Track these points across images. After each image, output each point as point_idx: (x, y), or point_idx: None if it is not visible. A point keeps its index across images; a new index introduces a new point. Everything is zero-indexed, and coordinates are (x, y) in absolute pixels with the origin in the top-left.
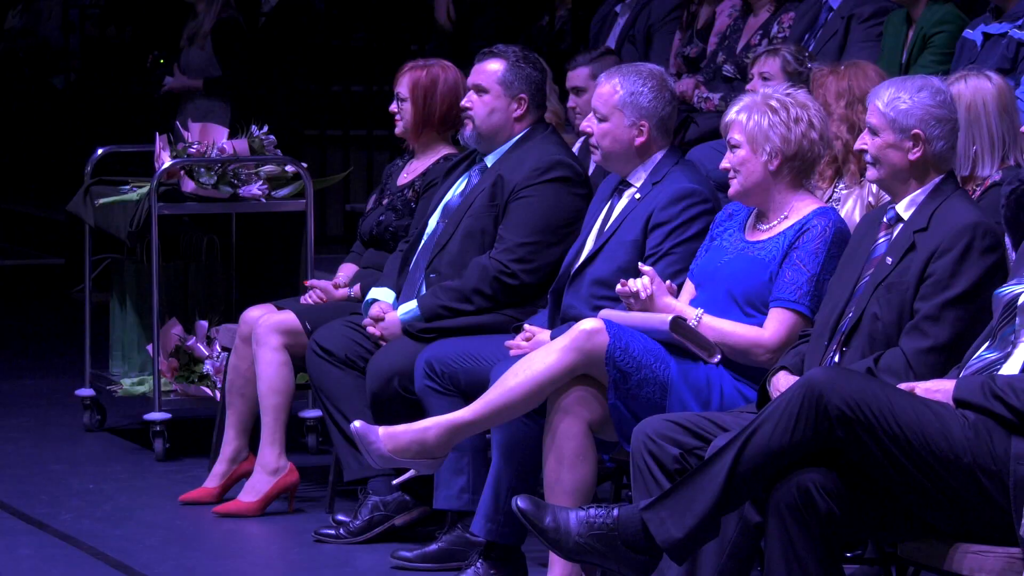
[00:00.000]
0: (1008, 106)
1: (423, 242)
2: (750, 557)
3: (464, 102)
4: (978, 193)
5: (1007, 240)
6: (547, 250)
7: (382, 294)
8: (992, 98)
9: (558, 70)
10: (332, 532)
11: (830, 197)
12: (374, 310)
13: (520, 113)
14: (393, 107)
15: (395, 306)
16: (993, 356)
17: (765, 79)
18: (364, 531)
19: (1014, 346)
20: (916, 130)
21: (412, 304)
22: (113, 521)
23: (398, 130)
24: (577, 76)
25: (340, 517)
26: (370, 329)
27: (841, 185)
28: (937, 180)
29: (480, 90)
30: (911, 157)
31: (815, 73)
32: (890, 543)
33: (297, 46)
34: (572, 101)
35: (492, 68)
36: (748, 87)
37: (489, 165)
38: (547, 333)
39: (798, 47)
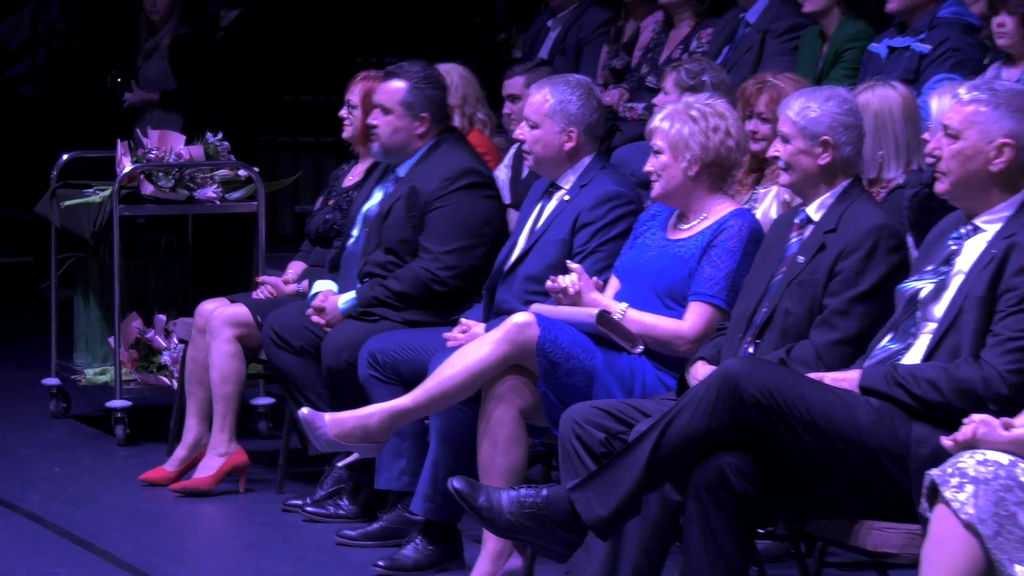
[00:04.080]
0: (912, 113)
1: (347, 249)
2: (670, 534)
3: (371, 119)
4: (883, 195)
5: (910, 240)
6: (470, 253)
7: (325, 285)
8: (898, 106)
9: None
10: (323, 512)
11: (749, 198)
12: (317, 300)
13: (423, 131)
14: (343, 112)
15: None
16: (896, 347)
17: (667, 93)
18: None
19: (915, 338)
20: (825, 137)
21: (351, 294)
22: (78, 502)
23: (346, 134)
24: (513, 85)
25: (293, 502)
26: (314, 318)
27: (761, 189)
28: (845, 184)
29: (385, 110)
30: (820, 162)
31: (764, 78)
32: (800, 521)
33: (250, 59)
34: (508, 108)
35: (395, 88)
36: (655, 100)
37: (401, 176)
38: (482, 326)
39: (696, 64)
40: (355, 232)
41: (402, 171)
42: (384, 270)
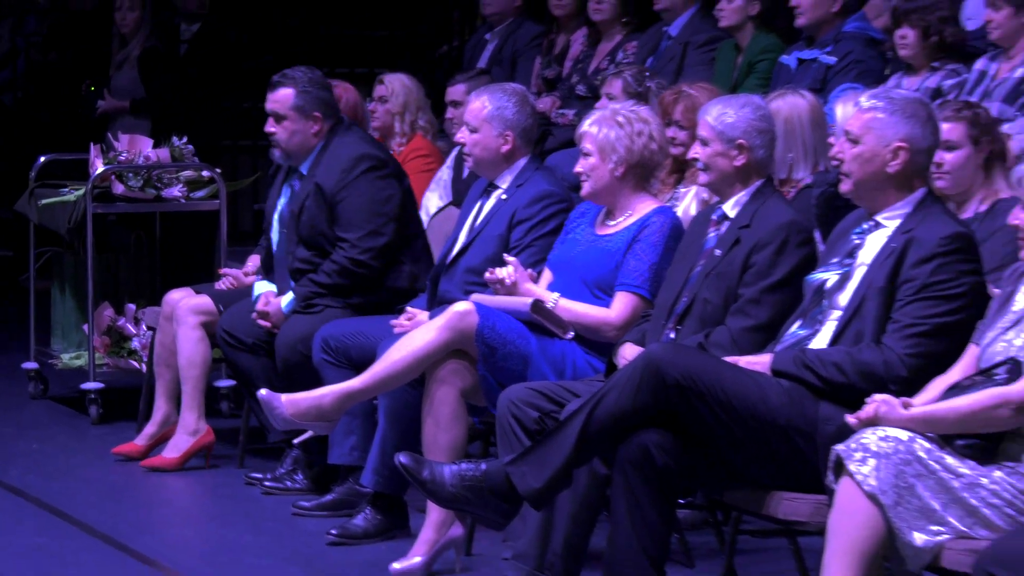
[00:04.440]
0: (819, 120)
1: (273, 250)
2: (598, 504)
3: (267, 127)
4: (793, 194)
5: (817, 235)
6: (382, 231)
7: (265, 287)
8: (806, 113)
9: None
10: (279, 486)
11: (671, 197)
12: (259, 304)
13: (317, 129)
14: None
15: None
16: (804, 333)
17: (611, 98)
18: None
19: (821, 324)
20: (740, 140)
21: (290, 295)
22: (54, 476)
23: None
24: (455, 91)
25: (254, 475)
26: (260, 322)
27: (682, 188)
28: (758, 183)
29: (278, 117)
30: (736, 163)
31: (680, 88)
32: (717, 492)
33: (213, 70)
34: (450, 113)
35: (284, 95)
36: (597, 105)
37: (305, 173)
38: (426, 314)
39: (639, 70)
40: (274, 234)
41: (304, 168)
42: (310, 264)
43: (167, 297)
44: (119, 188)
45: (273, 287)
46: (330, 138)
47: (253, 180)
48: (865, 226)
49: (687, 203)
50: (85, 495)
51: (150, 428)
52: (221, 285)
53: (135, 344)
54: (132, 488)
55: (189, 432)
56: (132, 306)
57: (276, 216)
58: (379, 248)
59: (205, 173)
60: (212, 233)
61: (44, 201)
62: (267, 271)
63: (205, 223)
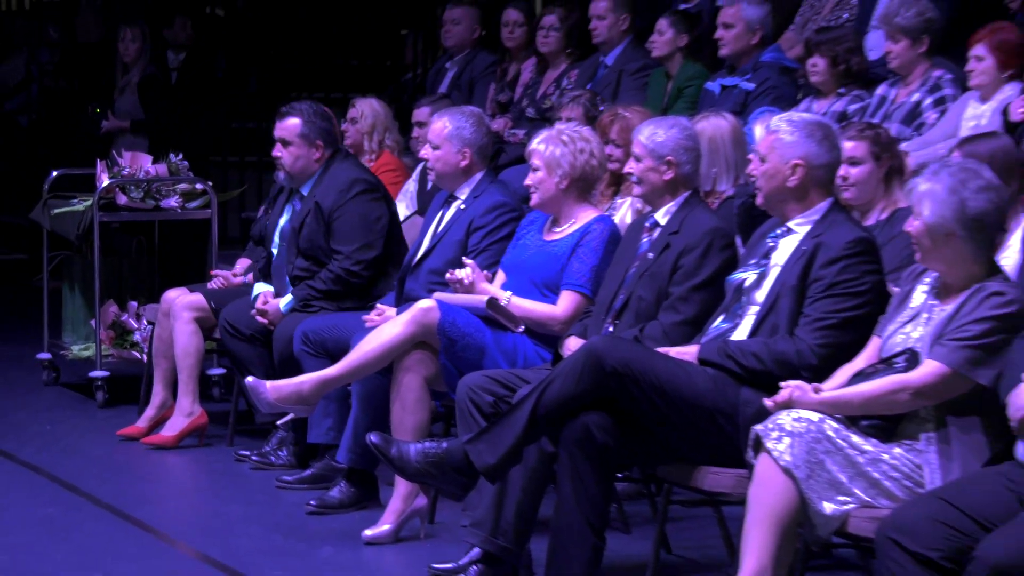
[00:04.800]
0: (739, 139)
1: (273, 260)
2: (546, 478)
3: (274, 152)
4: (716, 204)
5: (738, 240)
6: (372, 246)
7: (264, 288)
8: (728, 133)
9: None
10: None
11: (609, 207)
12: (259, 303)
13: (318, 156)
14: None
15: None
16: (726, 326)
17: (570, 120)
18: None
19: (741, 318)
20: (669, 157)
21: (289, 297)
22: (65, 453)
23: None
24: (420, 113)
25: (242, 452)
26: (259, 319)
27: (619, 199)
28: (686, 195)
29: (285, 143)
30: (666, 177)
31: (613, 112)
32: (651, 467)
33: (204, 94)
34: (415, 132)
35: (291, 124)
36: (557, 123)
37: (305, 194)
38: (393, 310)
39: (592, 96)
40: (275, 247)
41: (305, 190)
42: (308, 272)
43: (165, 295)
44: (122, 199)
45: (270, 288)
46: (329, 164)
47: (240, 192)
48: (778, 231)
49: (623, 212)
50: (92, 470)
51: (149, 411)
52: (212, 284)
53: (137, 337)
54: (134, 464)
55: (184, 414)
56: (134, 303)
57: (277, 232)
58: (369, 260)
59: (198, 186)
60: (204, 239)
61: (56, 210)
62: (265, 277)
63: (198, 230)
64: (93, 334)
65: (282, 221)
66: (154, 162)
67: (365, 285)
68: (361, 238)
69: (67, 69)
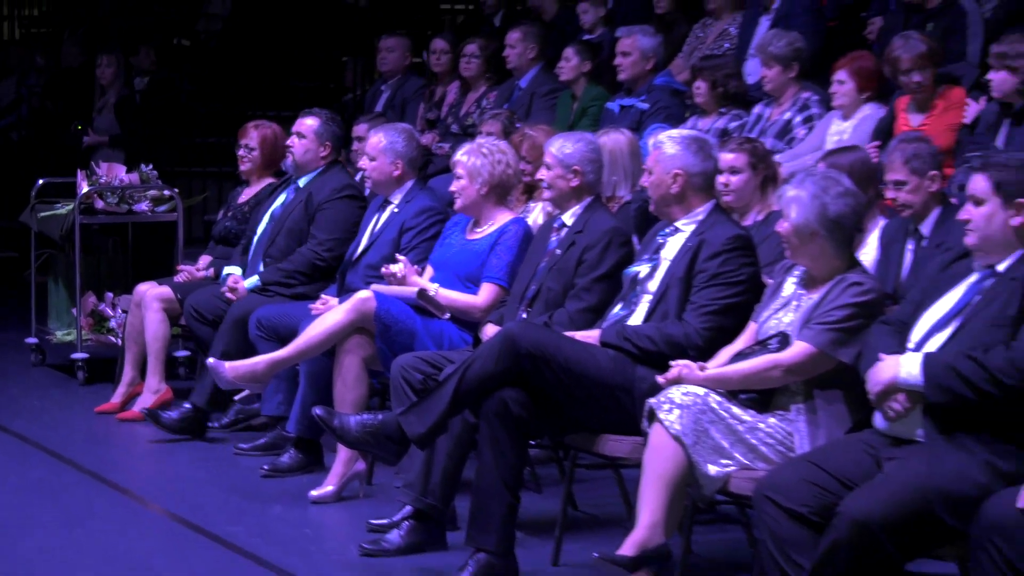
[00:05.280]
0: (636, 152)
1: (257, 237)
2: (468, 445)
3: (288, 142)
4: (616, 208)
5: (634, 238)
6: (343, 243)
7: (233, 270)
8: (626, 146)
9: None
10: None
11: (523, 210)
12: (229, 282)
13: (325, 154)
14: (242, 152)
15: (243, 278)
16: (623, 313)
17: (489, 135)
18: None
19: (636, 306)
20: (576, 167)
21: (255, 278)
22: (51, 426)
23: (243, 167)
24: (359, 129)
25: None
26: (228, 295)
27: (531, 204)
28: (589, 199)
29: (300, 136)
30: (572, 184)
31: (524, 129)
32: (560, 435)
33: (174, 113)
34: (355, 146)
35: (310, 123)
36: (479, 138)
37: (301, 186)
38: (336, 300)
39: (509, 114)
40: (261, 226)
41: (302, 182)
42: (283, 254)
43: (137, 288)
44: (100, 204)
45: (238, 270)
46: (329, 167)
47: (203, 198)
48: (668, 230)
49: (535, 215)
50: (74, 440)
51: (121, 389)
52: (179, 278)
53: (112, 324)
54: (110, 435)
55: (153, 391)
56: (110, 295)
57: (268, 214)
58: (337, 254)
59: (166, 192)
60: (171, 238)
61: (42, 214)
62: (244, 253)
63: (166, 231)
64: (75, 321)
65: (275, 205)
66: (128, 172)
67: (327, 272)
68: (337, 232)
69: (53, 91)
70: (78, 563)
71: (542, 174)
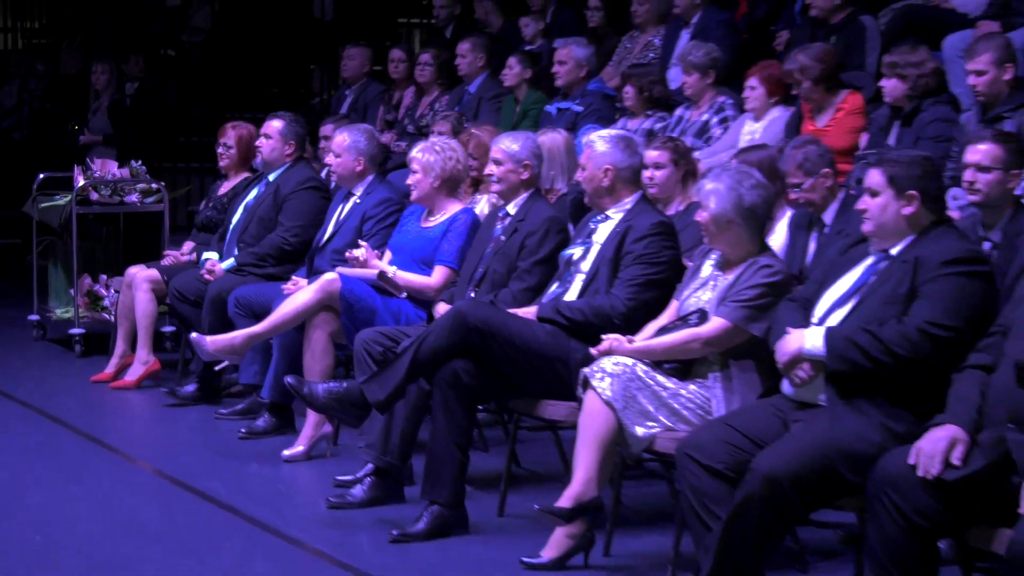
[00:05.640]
0: (571, 150)
1: (232, 225)
2: (423, 410)
3: (257, 143)
4: (554, 199)
5: (570, 226)
6: (309, 230)
7: (211, 255)
8: (563, 145)
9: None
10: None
11: (471, 201)
12: (208, 265)
13: (290, 151)
14: (221, 150)
15: (220, 261)
16: (559, 291)
17: (441, 134)
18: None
19: (570, 284)
20: (526, 161)
21: (231, 260)
22: (51, 393)
23: (222, 163)
24: (325, 129)
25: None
26: (207, 276)
27: (479, 196)
28: (531, 192)
29: (267, 136)
30: (523, 177)
31: (471, 130)
32: (504, 400)
33: (160, 115)
34: (323, 144)
35: (275, 125)
36: (432, 137)
37: (271, 180)
38: (305, 281)
39: (458, 116)
40: (236, 216)
41: (271, 177)
42: (255, 240)
43: (127, 270)
44: (94, 196)
45: (215, 255)
46: (295, 163)
47: (186, 190)
48: (599, 217)
49: (482, 205)
50: (71, 406)
51: (114, 360)
52: (165, 262)
53: (106, 302)
54: (104, 401)
55: (142, 362)
56: (104, 277)
57: (243, 205)
58: (303, 240)
59: (154, 185)
60: (158, 226)
61: (42, 205)
62: (220, 240)
63: (154, 220)
64: (72, 300)
65: (249, 198)
66: (119, 167)
67: (294, 255)
68: (302, 219)
69: (52, 95)
70: (75, 515)
71: (491, 169)
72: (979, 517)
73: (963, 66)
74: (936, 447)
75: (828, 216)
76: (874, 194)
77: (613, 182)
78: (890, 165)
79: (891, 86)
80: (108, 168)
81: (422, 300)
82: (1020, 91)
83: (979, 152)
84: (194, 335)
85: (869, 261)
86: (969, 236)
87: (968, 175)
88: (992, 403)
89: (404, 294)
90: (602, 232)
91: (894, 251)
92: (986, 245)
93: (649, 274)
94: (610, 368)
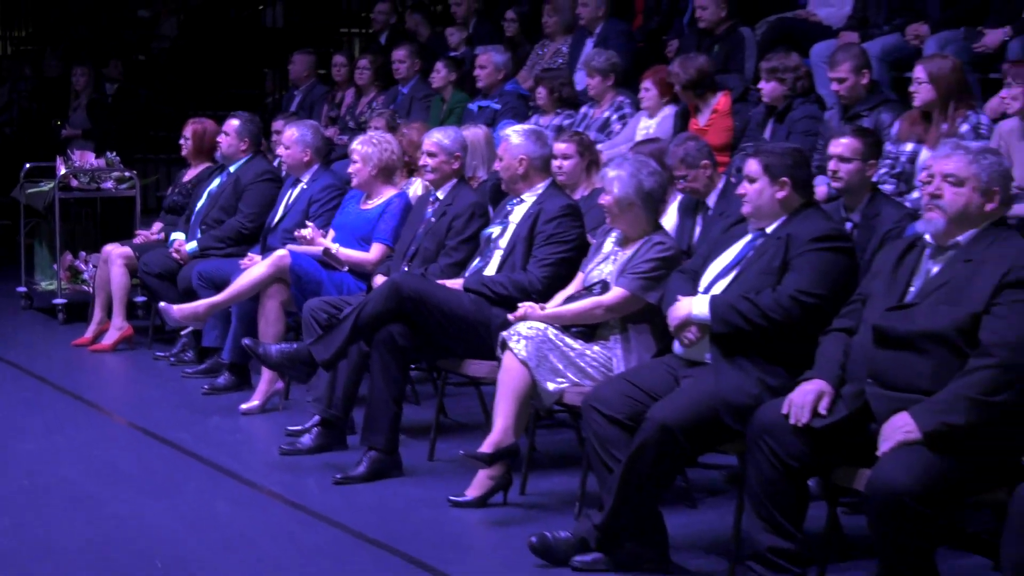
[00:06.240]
0: (491, 142)
1: (197, 210)
2: (363, 368)
3: (218, 139)
4: (476, 185)
5: (491, 209)
6: (262, 214)
7: (178, 235)
8: (483, 139)
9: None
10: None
11: (405, 186)
12: (175, 246)
13: (244, 147)
14: (182, 142)
15: (186, 241)
16: (481, 265)
17: (378, 128)
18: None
19: (490, 259)
20: (457, 152)
21: (194, 243)
22: (36, 356)
23: (184, 151)
24: (277, 125)
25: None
26: (173, 254)
27: (413, 181)
28: (456, 180)
29: (226, 134)
30: (454, 167)
31: (403, 127)
32: (434, 360)
33: (135, 112)
34: (275, 138)
35: (233, 123)
36: (370, 132)
37: (231, 171)
38: (260, 257)
39: (392, 114)
40: (200, 202)
41: (232, 169)
42: (216, 223)
43: (104, 248)
44: (74, 183)
45: (182, 235)
46: (254, 156)
47: (155, 178)
48: (515, 201)
49: (414, 190)
50: (55, 367)
51: (92, 326)
52: (136, 240)
53: (85, 276)
54: (83, 362)
55: (117, 328)
56: (83, 253)
57: (207, 192)
58: (257, 223)
59: (127, 173)
60: (131, 210)
61: (29, 191)
62: (186, 223)
63: (126, 203)
64: (55, 274)
65: (212, 186)
66: (96, 158)
67: (250, 238)
68: (257, 207)
69: (37, 95)
70: (59, 461)
71: (425, 160)
72: (842, 459)
73: (827, 71)
74: (805, 399)
75: (711, 200)
76: (752, 181)
77: (527, 170)
78: (765, 156)
79: (770, 88)
80: (86, 159)
81: (362, 273)
82: (875, 93)
83: (841, 145)
84: (162, 304)
85: (747, 238)
86: (833, 217)
87: (832, 165)
88: (853, 361)
89: (346, 268)
90: (517, 213)
91: (769, 229)
92: (848, 225)
93: (560, 252)
94: (525, 332)
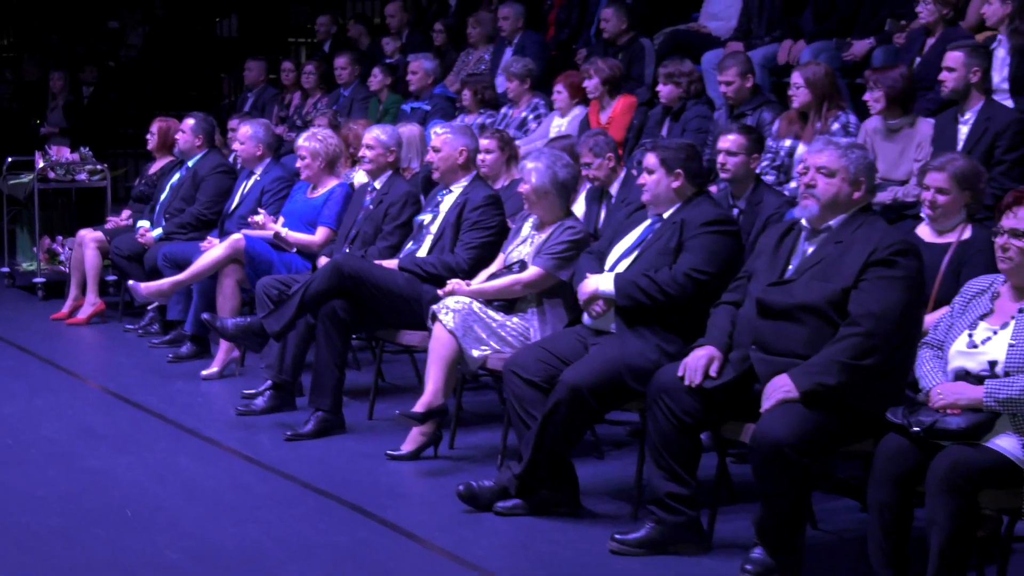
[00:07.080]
0: (423, 138)
1: (161, 200)
2: (310, 338)
3: (175, 135)
4: (410, 176)
5: (422, 197)
6: (217, 204)
7: (144, 223)
8: (417, 134)
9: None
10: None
11: (347, 176)
12: (140, 232)
13: (199, 143)
14: (149, 137)
15: (151, 229)
16: (414, 248)
17: (321, 126)
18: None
19: (422, 243)
20: (393, 147)
21: (159, 230)
22: (18, 330)
23: (150, 146)
24: (233, 123)
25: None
26: (139, 239)
27: (353, 172)
28: (392, 172)
29: (183, 132)
30: (390, 159)
31: (350, 123)
32: (372, 331)
33: (108, 112)
34: (230, 135)
35: (189, 123)
36: (313, 129)
37: (190, 165)
38: (217, 241)
39: (334, 113)
40: (164, 194)
41: (191, 163)
42: (178, 212)
43: (79, 232)
44: (52, 175)
45: (147, 223)
46: (209, 151)
47: (124, 171)
48: (444, 191)
49: (359, 176)
50: (35, 338)
51: (69, 303)
52: (108, 226)
53: (62, 257)
54: (61, 334)
55: (91, 304)
56: (60, 237)
57: (169, 184)
58: (214, 210)
59: (99, 167)
60: (102, 198)
61: (11, 182)
62: (151, 212)
63: (99, 193)
64: (35, 256)
65: (173, 179)
66: (71, 152)
67: (209, 224)
68: (214, 196)
69: (18, 97)
70: (39, 423)
71: (364, 152)
72: (730, 415)
73: (716, 76)
74: (698, 363)
75: (614, 189)
76: (650, 172)
77: (465, 162)
78: (662, 150)
79: (667, 91)
80: (62, 153)
81: (308, 254)
82: (758, 95)
83: (728, 141)
84: (131, 282)
85: (647, 223)
86: (722, 204)
87: (720, 158)
88: (739, 331)
89: (294, 249)
90: (446, 202)
91: (666, 215)
92: (735, 211)
93: (483, 236)
94: (452, 305)
